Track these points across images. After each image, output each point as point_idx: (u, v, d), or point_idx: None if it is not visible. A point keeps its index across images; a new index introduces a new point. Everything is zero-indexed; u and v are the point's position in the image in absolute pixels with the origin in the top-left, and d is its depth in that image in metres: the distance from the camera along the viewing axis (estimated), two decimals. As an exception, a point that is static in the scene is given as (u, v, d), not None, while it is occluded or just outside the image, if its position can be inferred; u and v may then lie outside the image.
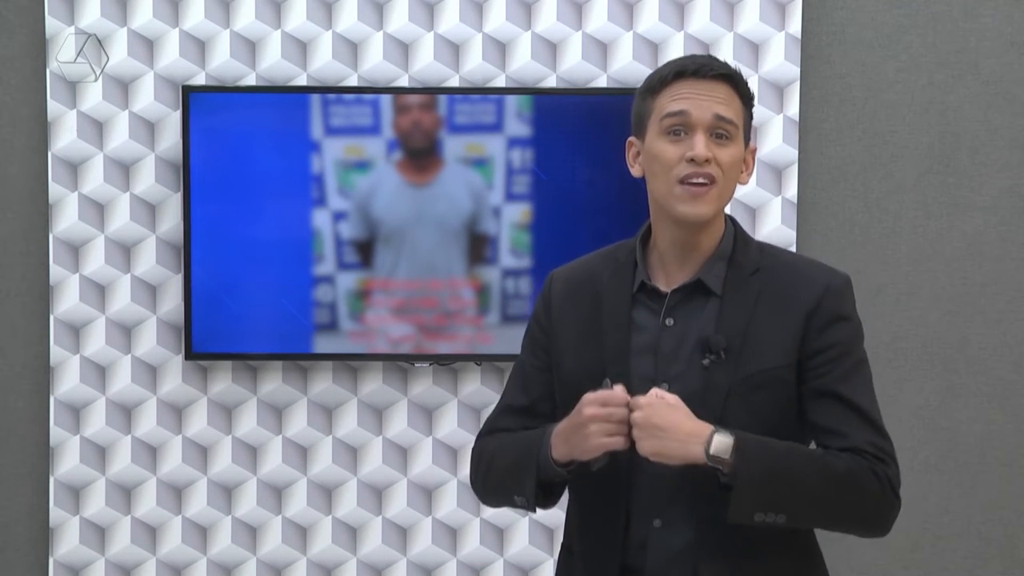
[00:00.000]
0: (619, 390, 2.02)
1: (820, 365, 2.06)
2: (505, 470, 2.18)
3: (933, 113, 3.78)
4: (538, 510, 2.17)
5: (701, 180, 2.04)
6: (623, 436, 2.01)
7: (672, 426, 1.98)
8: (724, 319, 2.07)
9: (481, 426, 2.33)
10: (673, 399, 2.00)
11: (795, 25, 3.72)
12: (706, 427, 1.99)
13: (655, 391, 2.02)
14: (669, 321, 2.09)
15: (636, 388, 2.07)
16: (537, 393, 2.23)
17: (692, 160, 2.04)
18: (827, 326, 2.06)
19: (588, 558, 2.15)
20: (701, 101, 2.05)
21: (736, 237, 2.14)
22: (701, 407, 2.03)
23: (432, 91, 3.65)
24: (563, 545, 2.25)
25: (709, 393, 2.06)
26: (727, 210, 2.17)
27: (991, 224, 3.80)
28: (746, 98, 2.12)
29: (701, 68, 2.06)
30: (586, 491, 2.16)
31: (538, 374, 2.22)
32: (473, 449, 2.28)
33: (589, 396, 2.03)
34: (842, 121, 3.78)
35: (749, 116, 2.12)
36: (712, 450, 1.97)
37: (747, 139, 2.12)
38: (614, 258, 2.20)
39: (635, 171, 2.15)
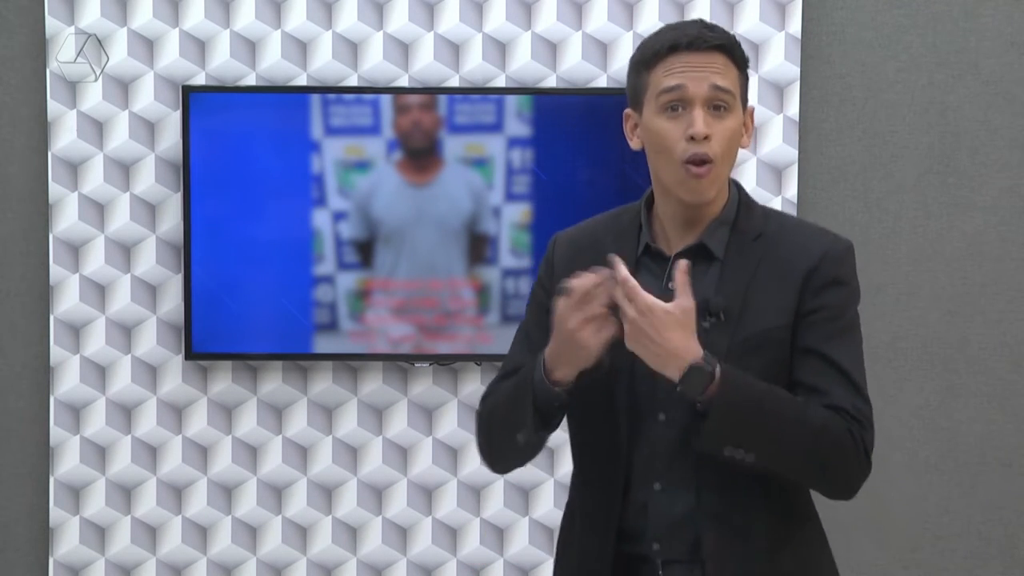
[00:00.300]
0: (589, 278, 1.99)
1: (811, 324, 2.06)
2: (504, 413, 2.16)
3: (933, 113, 3.78)
4: (539, 457, 2.11)
5: (701, 159, 2.03)
6: (613, 324, 2.00)
7: (660, 340, 1.97)
8: (725, 282, 2.08)
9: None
10: (680, 312, 1.97)
11: (795, 25, 3.72)
12: (692, 353, 1.97)
13: (660, 305, 1.97)
14: (672, 285, 2.06)
15: None
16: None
17: (692, 138, 2.03)
18: (823, 288, 2.07)
19: (588, 521, 2.15)
20: (697, 74, 2.03)
21: (740, 203, 2.14)
22: None
23: (432, 91, 3.65)
24: (565, 512, 2.24)
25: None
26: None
27: (991, 224, 3.80)
28: (742, 64, 2.08)
29: (695, 40, 2.03)
30: (587, 454, 2.16)
31: (541, 335, 2.16)
32: (476, 414, 2.25)
33: (563, 307, 2.00)
34: (842, 121, 3.79)
35: (745, 79, 2.09)
36: (686, 375, 1.96)
37: (744, 102, 2.10)
38: (618, 221, 2.19)
39: (634, 144, 2.14)
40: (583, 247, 2.19)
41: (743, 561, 2.06)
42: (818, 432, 2.02)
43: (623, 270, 1.99)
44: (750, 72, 3.68)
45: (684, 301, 1.97)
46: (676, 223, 2.12)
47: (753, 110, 2.13)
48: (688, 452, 2.05)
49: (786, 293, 2.07)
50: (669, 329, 1.97)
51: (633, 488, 2.09)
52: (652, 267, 2.13)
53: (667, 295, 2.03)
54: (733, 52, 2.06)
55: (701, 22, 2.08)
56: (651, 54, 2.06)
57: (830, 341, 2.06)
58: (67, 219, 3.74)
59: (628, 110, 2.13)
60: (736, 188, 2.16)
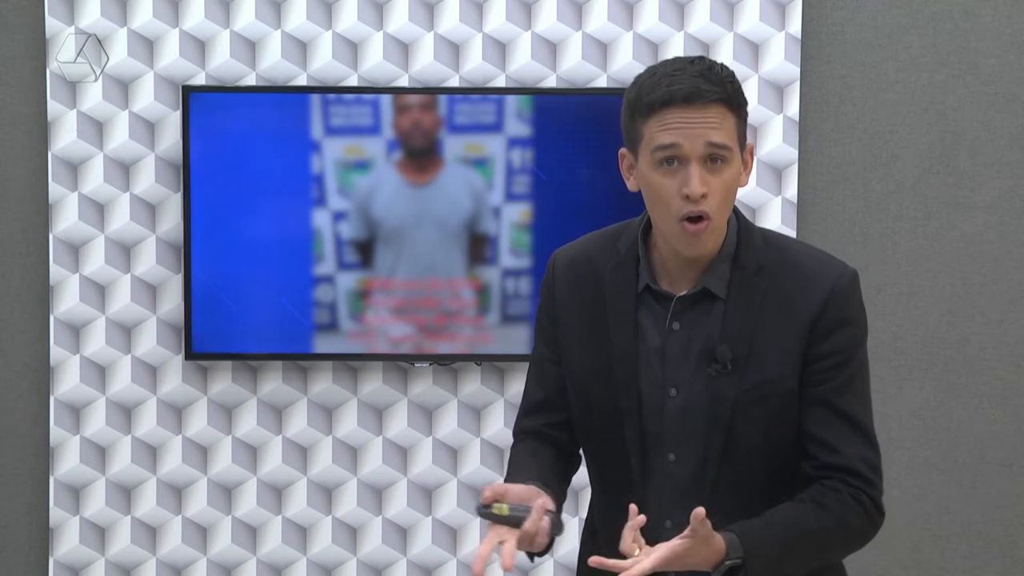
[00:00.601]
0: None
1: (820, 371, 2.06)
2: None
3: (933, 113, 3.78)
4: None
5: (698, 216, 2.00)
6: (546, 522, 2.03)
7: (698, 555, 1.95)
8: (729, 325, 2.06)
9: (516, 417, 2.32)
10: (671, 554, 1.92)
11: (795, 25, 3.72)
12: (713, 558, 1.95)
13: (660, 558, 1.92)
14: (675, 325, 2.08)
15: (645, 390, 2.09)
16: (552, 386, 2.22)
17: (687, 197, 1.99)
18: (830, 332, 2.06)
19: (609, 545, 2.14)
20: (692, 130, 1.98)
21: (740, 234, 2.10)
22: (709, 417, 2.06)
23: (432, 91, 3.65)
24: (586, 523, 2.27)
25: (716, 403, 2.07)
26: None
27: (991, 224, 3.80)
28: (739, 108, 2.02)
29: (690, 95, 1.97)
30: (603, 485, 2.18)
31: (551, 366, 2.20)
32: (510, 451, 2.27)
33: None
34: (842, 121, 3.79)
35: (743, 123, 2.04)
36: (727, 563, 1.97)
37: (743, 145, 2.05)
38: (615, 248, 2.16)
39: (630, 185, 2.09)
40: (582, 271, 2.17)
41: None
42: (836, 535, 2.06)
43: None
44: (750, 72, 3.69)
45: (671, 547, 1.92)
46: (675, 262, 2.10)
47: (752, 148, 2.08)
48: (698, 491, 2.08)
49: (792, 338, 2.06)
50: (680, 562, 1.93)
51: (647, 524, 2.06)
52: (653, 305, 2.11)
53: (669, 336, 2.07)
54: (730, 102, 2.00)
55: (699, 67, 2.00)
56: (645, 105, 2.00)
57: (839, 391, 2.06)
58: (67, 219, 3.74)
59: (624, 150, 2.09)
60: (735, 216, 2.11)
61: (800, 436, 2.09)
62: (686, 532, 1.91)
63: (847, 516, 2.05)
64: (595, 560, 1.92)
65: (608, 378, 2.10)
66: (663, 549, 1.91)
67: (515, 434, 2.28)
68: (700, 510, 1.89)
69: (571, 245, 2.23)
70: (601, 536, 2.21)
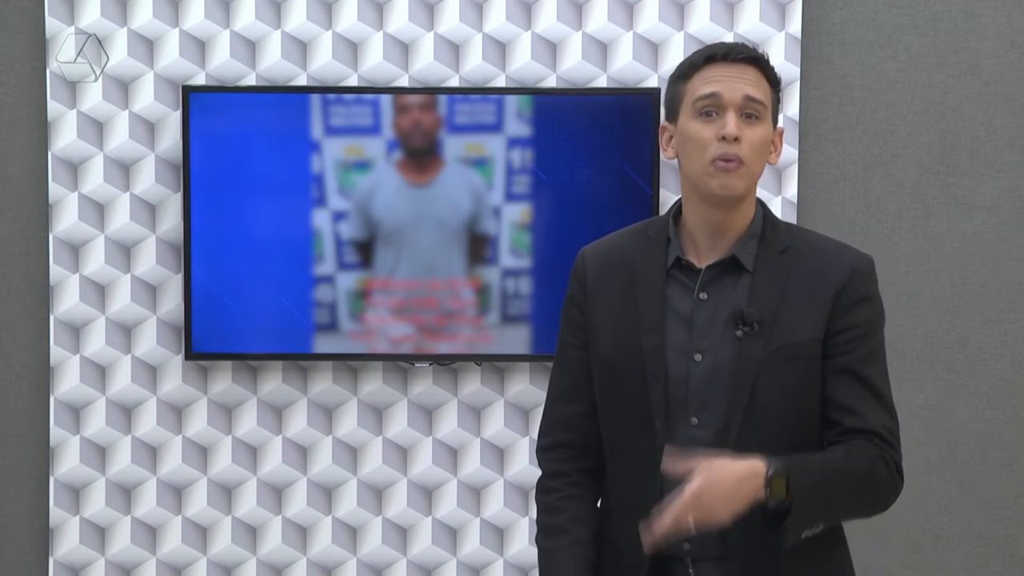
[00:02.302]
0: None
1: (844, 343, 2.16)
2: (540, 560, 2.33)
3: (933, 113, 3.78)
4: None
5: (731, 157, 2.12)
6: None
7: (727, 495, 2.02)
8: (757, 294, 2.16)
9: (542, 413, 2.42)
10: (708, 472, 2.02)
11: (795, 25, 3.72)
12: (755, 472, 2.03)
13: (697, 482, 2.01)
14: (703, 295, 2.18)
15: (671, 357, 2.18)
16: (578, 374, 2.30)
17: (723, 139, 2.13)
18: (853, 305, 2.17)
19: (626, 519, 2.22)
20: (731, 83, 2.14)
21: (766, 218, 2.23)
22: (734, 377, 2.14)
23: (432, 91, 3.65)
24: (601, 505, 2.33)
25: (742, 364, 2.15)
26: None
27: (991, 224, 3.80)
28: (773, 81, 2.19)
29: (730, 52, 2.16)
30: (624, 455, 2.25)
31: (577, 354, 2.29)
32: (536, 485, 2.35)
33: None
34: (842, 121, 3.79)
35: (777, 99, 2.20)
36: (773, 492, 2.04)
37: (775, 121, 2.20)
38: (644, 235, 2.27)
39: (668, 154, 2.23)
40: (612, 261, 2.28)
41: (767, 558, 2.15)
42: (865, 481, 2.15)
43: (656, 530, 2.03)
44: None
45: (696, 469, 2.02)
46: (705, 233, 2.21)
47: (783, 132, 2.23)
48: (717, 452, 2.12)
49: (817, 307, 2.16)
50: (721, 484, 2.01)
51: (667, 488, 2.14)
52: (682, 279, 2.22)
53: (697, 305, 2.18)
54: (765, 68, 2.18)
55: (738, 42, 2.22)
56: (688, 66, 2.19)
57: (863, 361, 2.17)
58: (67, 219, 3.74)
59: (664, 122, 2.23)
60: (761, 205, 2.24)
61: (823, 406, 2.18)
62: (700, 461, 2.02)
63: (876, 467, 2.15)
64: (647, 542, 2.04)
65: (636, 348, 2.19)
66: (701, 473, 2.00)
67: (545, 434, 2.34)
68: (669, 459, 2.03)
69: (599, 241, 2.34)
70: (615, 518, 2.27)
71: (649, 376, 2.18)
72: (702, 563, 2.19)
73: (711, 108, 2.15)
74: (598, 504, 2.33)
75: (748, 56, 2.16)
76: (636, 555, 2.20)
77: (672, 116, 2.22)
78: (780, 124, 2.23)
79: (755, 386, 2.14)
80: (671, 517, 2.01)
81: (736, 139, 2.12)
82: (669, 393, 2.18)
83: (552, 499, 2.31)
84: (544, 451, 2.34)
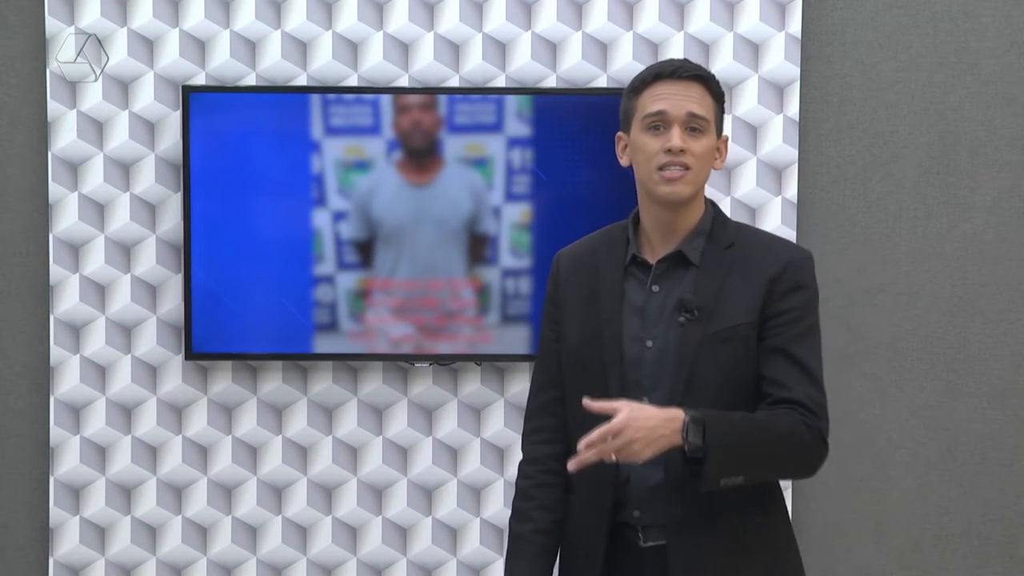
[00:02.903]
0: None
1: (777, 326, 2.39)
2: (505, 565, 2.59)
3: (933, 113, 3.78)
4: None
5: (676, 167, 2.37)
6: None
7: (647, 431, 2.25)
8: (700, 284, 2.41)
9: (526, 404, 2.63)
10: (630, 411, 2.25)
11: (795, 25, 3.72)
12: (673, 417, 2.27)
13: (617, 420, 2.24)
14: (655, 288, 2.44)
15: (627, 345, 2.42)
16: (555, 365, 2.55)
17: (669, 151, 2.37)
18: (787, 293, 2.39)
19: (585, 494, 2.49)
20: (677, 100, 2.38)
21: (715, 217, 2.47)
22: (677, 359, 2.38)
23: (432, 91, 3.65)
24: (567, 482, 2.55)
25: (683, 347, 2.38)
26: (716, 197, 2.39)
27: (991, 224, 3.80)
28: (718, 96, 2.43)
29: (676, 70, 2.39)
30: (584, 434, 2.37)
31: (553, 346, 2.55)
32: (518, 467, 2.61)
33: None
34: (842, 121, 3.79)
35: (720, 111, 2.43)
36: (689, 437, 2.27)
37: (719, 131, 2.44)
38: (609, 237, 2.54)
39: (623, 161, 2.48)
40: (581, 262, 2.53)
41: (701, 530, 2.38)
42: (786, 439, 2.34)
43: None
44: (750, 72, 3.69)
45: (621, 408, 2.26)
46: (658, 231, 2.45)
47: (727, 139, 2.47)
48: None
49: (753, 295, 2.39)
50: (642, 422, 2.25)
51: (620, 464, 2.40)
52: (637, 274, 2.47)
53: (650, 297, 2.43)
54: (710, 84, 2.41)
55: (685, 59, 2.44)
56: (639, 82, 2.42)
57: (793, 341, 2.39)
58: (67, 219, 3.74)
59: (620, 132, 2.48)
60: (712, 205, 2.49)
61: (758, 384, 2.40)
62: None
63: (796, 429, 2.35)
64: (573, 463, 2.26)
65: (596, 338, 2.44)
66: (623, 411, 2.25)
67: (528, 419, 2.59)
68: (586, 402, 2.28)
69: (573, 244, 2.60)
70: (577, 489, 2.51)
71: (607, 362, 2.42)
72: (650, 529, 2.41)
73: (658, 123, 2.39)
74: (565, 487, 2.55)
75: (693, 74, 2.40)
76: (597, 521, 2.44)
77: (626, 127, 2.46)
78: (725, 133, 2.48)
79: (694, 366, 2.37)
80: (596, 436, 2.22)
81: (681, 151, 2.37)
82: (625, 376, 2.41)
83: (527, 485, 2.57)
84: (526, 436, 2.60)
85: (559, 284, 2.55)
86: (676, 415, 2.26)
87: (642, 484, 2.42)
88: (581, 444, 2.25)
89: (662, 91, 2.39)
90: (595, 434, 2.24)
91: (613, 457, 2.24)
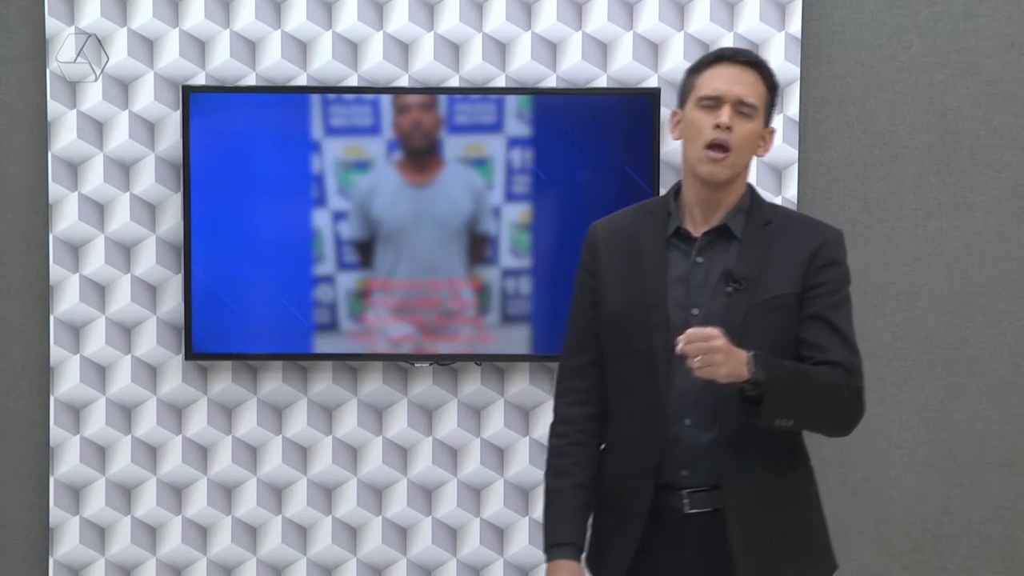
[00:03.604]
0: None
1: (815, 296, 2.56)
2: (544, 517, 2.71)
3: (933, 113, 3.78)
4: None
5: (720, 143, 2.51)
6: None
7: (728, 351, 2.40)
8: (744, 257, 2.56)
9: (558, 364, 2.75)
10: (708, 336, 2.39)
11: (795, 25, 3.72)
12: (742, 353, 2.41)
13: (701, 331, 2.39)
14: (699, 259, 2.58)
15: (671, 311, 2.56)
16: (587, 328, 2.67)
17: (717, 127, 2.51)
18: (824, 267, 2.58)
19: (627, 455, 2.62)
20: (731, 83, 2.54)
21: (752, 197, 2.63)
22: (723, 326, 2.46)
23: (432, 91, 3.65)
24: (604, 449, 2.69)
25: (730, 315, 2.52)
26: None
27: (991, 224, 3.80)
28: (771, 85, 2.59)
29: (736, 55, 2.56)
30: (628, 395, 2.61)
31: (588, 312, 2.67)
32: (550, 427, 2.72)
33: None
34: (842, 121, 3.79)
35: (771, 101, 2.59)
36: (753, 370, 2.42)
37: (768, 121, 2.59)
38: (647, 211, 2.67)
39: (674, 135, 2.62)
40: (618, 233, 2.66)
41: (753, 482, 2.54)
42: (831, 391, 2.51)
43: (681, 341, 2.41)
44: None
45: (709, 331, 2.39)
46: (700, 206, 2.60)
47: (773, 131, 2.63)
48: (710, 393, 2.52)
49: (794, 268, 2.56)
50: (728, 346, 2.39)
51: (665, 426, 2.56)
52: (680, 245, 2.60)
53: (694, 267, 2.57)
54: (764, 73, 2.58)
55: (747, 49, 2.54)
56: (701, 62, 2.59)
57: (830, 309, 2.56)
58: (67, 219, 3.74)
59: (675, 108, 2.62)
60: (750, 187, 2.65)
61: (797, 347, 2.56)
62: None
63: (840, 384, 2.53)
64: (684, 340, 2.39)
65: (641, 303, 2.58)
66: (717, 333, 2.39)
67: (561, 381, 2.72)
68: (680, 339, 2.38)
69: (607, 218, 2.72)
70: (620, 452, 2.64)
71: (653, 326, 2.56)
72: (696, 493, 2.56)
73: (712, 101, 2.54)
74: (601, 447, 2.69)
75: (750, 60, 2.56)
76: (641, 482, 2.58)
77: (682, 103, 2.60)
78: (773, 125, 2.63)
79: (741, 333, 2.49)
80: (694, 332, 2.36)
81: (728, 128, 2.51)
82: (670, 341, 2.50)
83: (561, 443, 2.68)
84: (559, 397, 2.71)
85: (596, 253, 2.66)
86: (742, 350, 2.41)
87: (693, 444, 2.55)
88: (680, 338, 2.37)
89: (719, 72, 2.55)
90: (693, 331, 2.37)
91: (695, 364, 2.38)
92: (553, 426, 2.72)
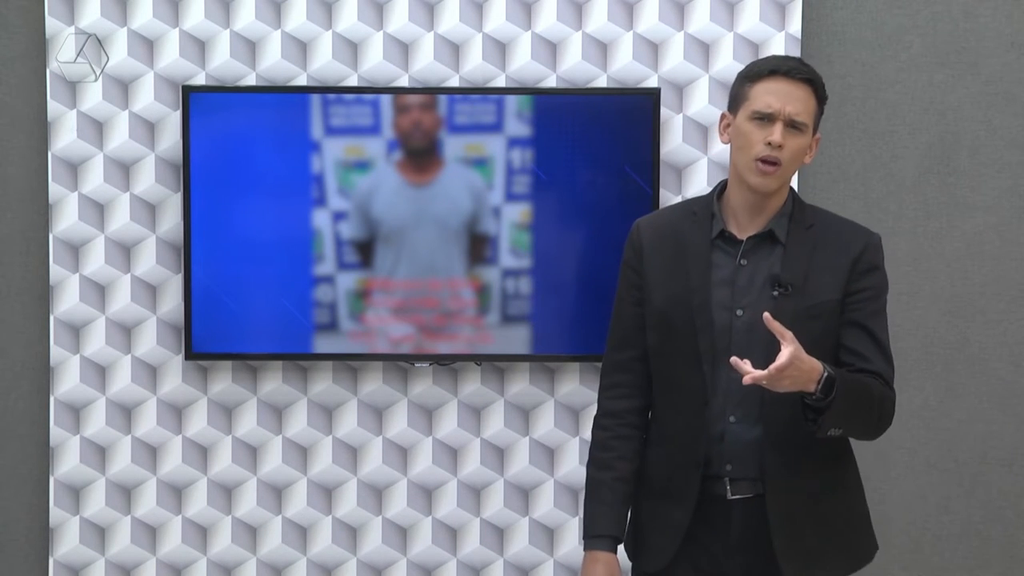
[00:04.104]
0: None
1: (857, 302, 2.64)
2: (585, 508, 2.79)
3: (933, 113, 3.78)
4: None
5: (772, 160, 2.58)
6: None
7: (800, 374, 2.46)
8: (788, 261, 2.64)
9: (603, 357, 2.83)
10: (798, 351, 2.44)
11: (795, 25, 3.72)
12: (818, 369, 2.47)
13: (787, 357, 2.44)
14: (743, 261, 2.65)
15: (715, 312, 2.63)
16: (631, 324, 2.74)
17: (769, 144, 2.58)
18: (866, 272, 2.65)
19: (673, 449, 2.70)
20: (785, 99, 2.60)
21: (795, 201, 2.70)
22: (768, 330, 2.54)
23: (432, 91, 3.65)
24: (648, 441, 2.78)
25: (778, 318, 2.59)
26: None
27: (991, 224, 3.80)
28: (821, 99, 2.65)
29: (792, 71, 2.61)
30: (673, 392, 2.69)
31: (632, 308, 2.74)
32: (594, 419, 2.80)
33: None
34: (842, 121, 3.79)
35: (820, 113, 2.66)
36: (821, 389, 2.49)
37: (815, 129, 2.67)
38: (691, 211, 2.72)
39: (723, 139, 2.69)
40: (663, 232, 2.72)
41: (797, 475, 2.63)
42: (878, 404, 2.60)
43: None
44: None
45: (791, 348, 2.43)
46: (746, 210, 2.67)
47: (819, 138, 2.71)
48: (754, 392, 2.63)
49: (838, 273, 2.64)
50: (801, 363, 2.45)
51: (711, 422, 2.65)
52: (725, 248, 2.68)
53: (739, 270, 2.64)
54: (817, 88, 2.64)
55: (800, 59, 2.64)
56: (755, 72, 2.63)
57: (871, 318, 2.65)
58: (67, 219, 3.74)
59: (725, 111, 2.69)
60: (792, 191, 2.71)
61: (837, 350, 2.65)
62: (787, 339, 2.44)
63: (883, 396, 2.61)
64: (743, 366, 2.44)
65: (687, 304, 2.65)
66: (789, 347, 2.44)
67: (604, 375, 2.79)
68: (767, 316, 2.44)
69: (652, 215, 2.79)
70: (664, 445, 2.72)
71: (698, 327, 2.64)
72: (739, 482, 2.65)
73: (765, 116, 2.60)
74: (643, 439, 2.77)
75: (805, 77, 2.61)
76: (688, 475, 2.67)
77: (733, 108, 2.67)
78: (819, 133, 2.71)
79: None
80: (771, 373, 2.40)
81: (780, 146, 2.58)
82: (715, 341, 2.63)
83: (605, 436, 2.76)
84: (604, 390, 2.78)
85: (641, 251, 2.73)
86: (818, 367, 2.47)
87: (738, 440, 2.65)
88: (748, 378, 2.42)
89: (774, 87, 2.60)
90: (772, 370, 2.41)
91: (764, 383, 2.43)
92: (597, 419, 2.79)
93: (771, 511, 2.64)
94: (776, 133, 2.58)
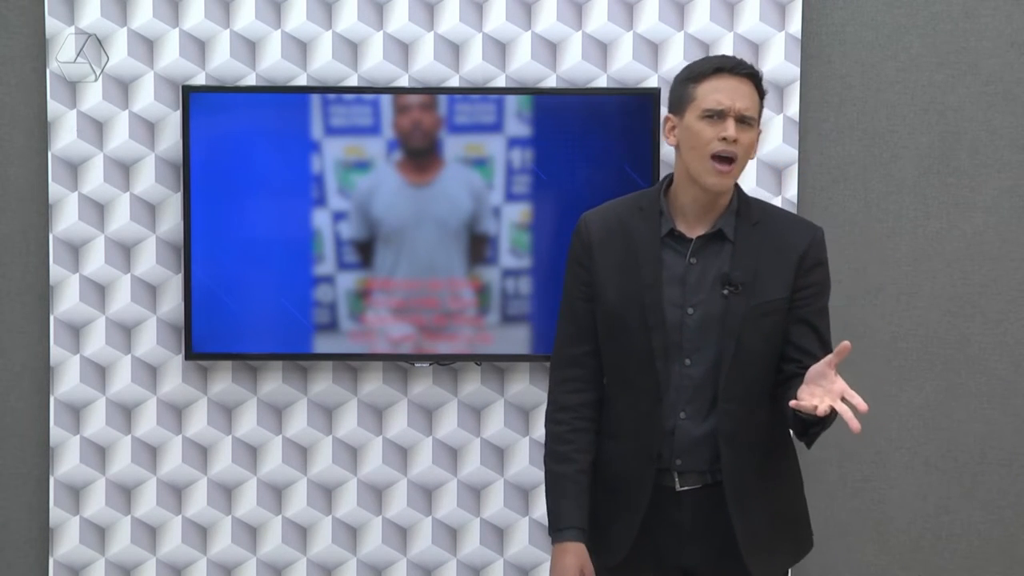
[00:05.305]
0: None
1: (803, 298, 2.70)
2: (548, 502, 2.82)
3: (933, 113, 3.78)
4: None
5: (728, 155, 2.61)
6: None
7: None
8: (738, 260, 2.67)
9: (552, 352, 2.85)
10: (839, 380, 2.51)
11: (795, 25, 3.72)
12: None
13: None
14: (693, 260, 2.69)
15: (667, 310, 2.67)
16: (583, 321, 2.77)
17: (724, 139, 2.61)
18: (811, 268, 2.71)
19: (627, 444, 2.74)
20: (734, 95, 2.63)
21: (740, 197, 2.73)
22: (722, 328, 2.65)
23: (432, 91, 3.65)
24: (601, 434, 2.81)
25: (729, 317, 2.65)
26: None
27: (991, 224, 3.80)
28: (761, 93, 2.69)
29: (736, 67, 2.65)
30: (627, 389, 2.73)
31: (583, 304, 2.76)
32: (547, 414, 2.82)
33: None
34: (842, 121, 3.79)
35: (762, 108, 2.69)
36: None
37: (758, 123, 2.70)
38: (638, 206, 2.75)
39: (670, 141, 2.71)
40: (612, 228, 2.74)
41: (750, 472, 2.70)
42: None
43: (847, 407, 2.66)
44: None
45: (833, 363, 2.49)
46: (694, 210, 2.70)
47: (760, 132, 2.73)
48: (705, 388, 2.69)
49: (785, 271, 2.69)
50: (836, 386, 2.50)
51: (663, 417, 2.70)
52: (675, 246, 2.70)
53: (688, 268, 2.67)
54: (758, 83, 2.68)
55: (740, 57, 2.70)
56: (699, 72, 2.67)
57: (817, 315, 2.71)
58: (67, 219, 3.74)
59: (669, 114, 2.71)
60: (736, 186, 2.75)
61: (783, 346, 2.71)
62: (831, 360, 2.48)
63: None
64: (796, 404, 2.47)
65: (639, 302, 2.68)
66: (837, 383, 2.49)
67: (557, 369, 2.81)
68: (847, 344, 2.44)
69: (598, 209, 2.79)
70: (619, 439, 2.76)
71: (651, 325, 2.68)
72: (688, 474, 2.71)
73: (716, 113, 2.63)
74: (597, 432, 2.80)
75: (748, 72, 2.66)
76: (642, 469, 2.71)
77: (678, 111, 2.69)
78: (759, 128, 2.72)
79: (741, 335, 2.65)
80: (831, 402, 2.44)
81: (735, 141, 2.61)
82: (667, 339, 2.68)
83: (562, 430, 2.79)
84: (557, 384, 2.81)
85: (591, 248, 2.74)
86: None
87: (687, 435, 2.70)
88: (824, 407, 2.41)
89: (722, 85, 2.64)
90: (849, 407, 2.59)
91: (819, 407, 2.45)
92: (551, 413, 2.81)
93: (730, 501, 2.69)
94: (730, 128, 2.62)
